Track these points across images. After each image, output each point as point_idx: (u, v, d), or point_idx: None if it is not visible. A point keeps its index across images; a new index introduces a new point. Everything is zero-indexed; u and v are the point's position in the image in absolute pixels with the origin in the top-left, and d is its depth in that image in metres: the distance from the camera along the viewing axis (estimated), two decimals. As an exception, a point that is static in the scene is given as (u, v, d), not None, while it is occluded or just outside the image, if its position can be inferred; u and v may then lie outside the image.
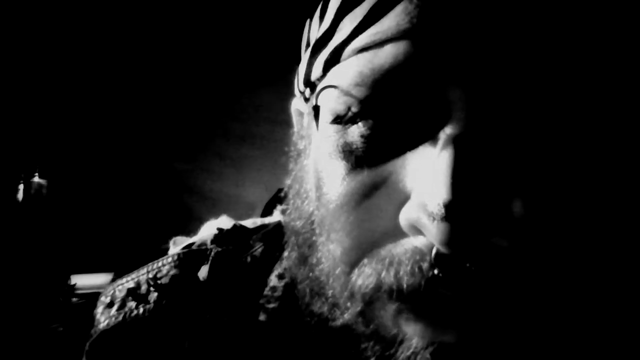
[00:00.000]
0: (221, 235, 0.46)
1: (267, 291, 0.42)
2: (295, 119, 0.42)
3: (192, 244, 0.47)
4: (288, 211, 0.40)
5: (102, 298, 0.45)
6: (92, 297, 0.47)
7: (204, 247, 0.45)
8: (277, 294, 0.41)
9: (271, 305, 0.41)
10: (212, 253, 0.44)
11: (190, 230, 0.53)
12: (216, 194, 1.91)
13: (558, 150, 0.30)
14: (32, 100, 1.83)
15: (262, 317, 0.41)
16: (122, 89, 1.90)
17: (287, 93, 0.43)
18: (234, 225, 0.47)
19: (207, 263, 0.44)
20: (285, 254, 0.42)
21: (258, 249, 0.45)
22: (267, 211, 0.55)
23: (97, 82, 1.88)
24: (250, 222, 0.48)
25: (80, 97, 1.89)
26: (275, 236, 0.44)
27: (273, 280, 0.42)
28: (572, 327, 0.32)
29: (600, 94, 0.30)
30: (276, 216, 0.52)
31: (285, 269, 0.42)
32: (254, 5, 1.72)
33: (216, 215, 0.54)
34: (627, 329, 0.34)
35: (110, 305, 0.44)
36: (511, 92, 0.29)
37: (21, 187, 1.77)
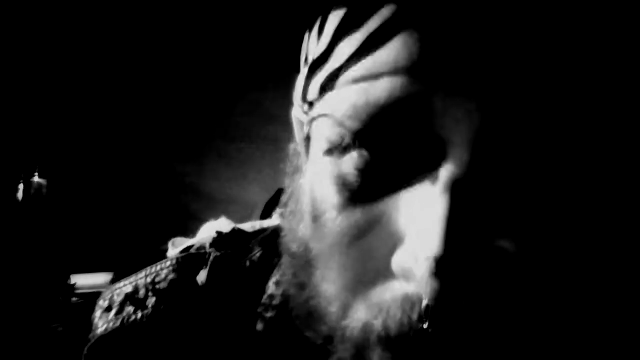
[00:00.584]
0: (220, 239, 0.46)
1: (265, 299, 0.41)
2: (295, 128, 0.41)
3: (191, 247, 0.46)
4: (283, 232, 0.39)
5: (101, 302, 0.45)
6: (92, 297, 0.47)
7: (202, 251, 0.45)
8: (275, 302, 0.41)
9: (269, 315, 0.41)
10: (211, 257, 0.44)
11: (190, 230, 0.53)
12: (216, 194, 1.91)
13: (561, 199, 0.29)
14: (32, 100, 1.83)
15: (260, 327, 0.41)
16: (122, 89, 1.90)
17: (288, 93, 0.42)
18: (233, 229, 0.47)
19: (206, 268, 0.43)
20: (283, 262, 0.41)
21: (257, 253, 0.44)
22: (267, 212, 0.55)
23: (97, 82, 1.88)
24: (249, 226, 0.48)
25: (80, 97, 1.89)
26: (273, 241, 0.44)
27: (271, 287, 0.42)
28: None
29: (599, 128, 0.29)
30: (275, 219, 0.51)
31: (282, 278, 0.42)
32: (255, 6, 1.72)
33: (216, 215, 0.54)
34: (629, 333, 0.33)
35: (108, 309, 0.44)
36: (514, 135, 0.28)
37: (21, 187, 1.77)
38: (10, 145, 1.79)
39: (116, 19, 1.83)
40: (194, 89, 1.92)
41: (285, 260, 0.39)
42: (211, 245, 0.45)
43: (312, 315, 0.35)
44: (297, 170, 0.39)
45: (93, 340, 0.42)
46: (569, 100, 0.28)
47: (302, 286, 0.36)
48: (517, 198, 0.29)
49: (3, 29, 1.74)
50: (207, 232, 0.49)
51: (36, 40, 1.80)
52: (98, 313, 0.44)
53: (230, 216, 0.52)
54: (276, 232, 0.45)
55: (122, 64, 1.87)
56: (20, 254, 1.57)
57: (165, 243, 0.51)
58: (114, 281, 0.47)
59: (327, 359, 0.33)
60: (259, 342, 0.40)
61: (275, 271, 0.43)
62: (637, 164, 0.30)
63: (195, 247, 0.46)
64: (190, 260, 0.45)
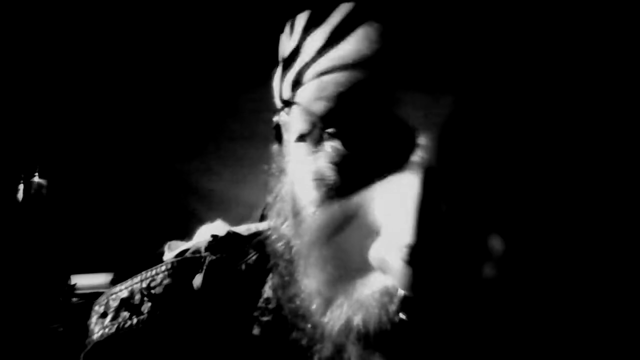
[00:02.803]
0: (215, 243, 0.46)
1: (261, 303, 0.41)
2: (278, 132, 0.42)
3: (186, 250, 0.46)
4: (270, 232, 0.40)
5: (96, 308, 0.45)
6: (92, 297, 0.47)
7: (198, 255, 0.45)
8: (271, 306, 0.41)
9: (265, 319, 0.41)
10: (207, 261, 0.44)
11: (190, 230, 0.53)
12: (216, 194, 1.91)
13: (529, 182, 0.29)
14: (32, 100, 1.83)
15: (256, 331, 0.40)
16: (122, 89, 1.90)
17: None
18: (228, 232, 0.47)
19: (202, 272, 0.43)
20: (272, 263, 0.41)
21: (252, 257, 0.44)
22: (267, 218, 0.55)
23: (97, 82, 1.88)
24: (244, 229, 0.48)
25: (80, 97, 1.89)
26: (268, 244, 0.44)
27: (267, 291, 0.42)
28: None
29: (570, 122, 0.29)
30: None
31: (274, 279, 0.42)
32: (254, 5, 1.72)
33: (217, 215, 0.54)
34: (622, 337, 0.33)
35: (104, 315, 0.44)
36: (479, 119, 0.28)
37: (21, 187, 1.77)
38: (10, 145, 1.79)
39: (117, 19, 1.83)
40: (194, 89, 1.92)
41: (273, 260, 0.39)
42: (206, 249, 0.45)
43: (297, 314, 0.35)
44: (281, 170, 0.39)
45: (89, 347, 0.42)
46: (533, 85, 0.28)
47: (286, 285, 0.36)
48: (489, 184, 0.29)
49: (3, 29, 1.73)
50: (202, 235, 0.49)
51: (36, 40, 1.80)
52: (94, 319, 0.44)
53: (230, 216, 0.52)
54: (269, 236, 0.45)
55: (121, 63, 1.87)
56: (20, 254, 1.57)
57: (164, 243, 0.51)
58: (113, 281, 0.47)
59: None
60: (256, 346, 0.40)
61: (271, 274, 0.43)
62: (609, 148, 0.31)
63: (190, 251, 0.46)
64: (186, 264, 0.44)
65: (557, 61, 0.29)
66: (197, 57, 1.88)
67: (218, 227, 0.49)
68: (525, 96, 0.28)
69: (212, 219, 0.54)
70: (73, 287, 1.47)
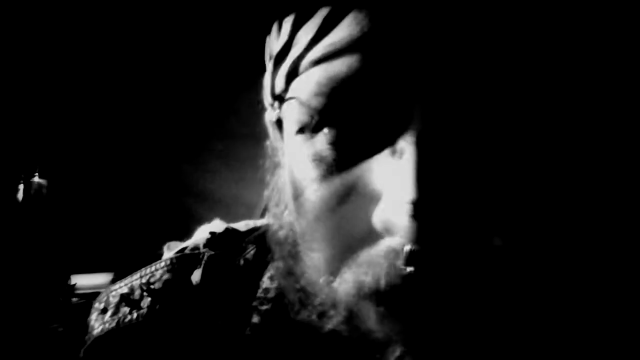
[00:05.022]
0: (214, 239, 0.46)
1: (259, 293, 0.42)
2: (269, 130, 0.43)
3: (185, 248, 0.47)
4: (269, 222, 0.41)
5: (96, 304, 0.45)
6: (92, 297, 0.47)
7: (196, 251, 0.46)
8: (270, 295, 0.42)
9: (264, 307, 0.41)
10: (205, 257, 0.45)
11: (190, 230, 0.53)
12: (216, 194, 1.91)
13: (519, 145, 0.30)
14: (32, 100, 1.83)
15: (255, 320, 0.41)
16: (122, 89, 1.90)
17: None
18: (226, 229, 0.47)
19: (200, 267, 0.44)
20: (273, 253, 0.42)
21: (250, 251, 0.45)
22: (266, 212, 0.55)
23: (96, 82, 1.88)
24: (242, 225, 0.49)
25: (80, 97, 1.89)
26: (266, 238, 0.45)
27: (265, 282, 0.43)
28: (553, 325, 0.32)
29: (549, 89, 0.31)
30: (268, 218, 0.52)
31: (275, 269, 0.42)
32: (254, 5, 1.72)
33: (217, 215, 0.54)
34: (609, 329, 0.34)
35: (104, 311, 0.44)
36: (466, 91, 0.30)
37: (21, 187, 1.77)
38: (10, 145, 1.79)
39: (116, 19, 1.83)
40: (193, 89, 1.92)
41: (274, 251, 0.40)
42: (205, 245, 0.46)
43: (304, 293, 0.36)
44: (276, 165, 0.40)
45: (89, 342, 0.43)
46: (518, 65, 0.30)
47: (291, 270, 0.37)
48: (479, 152, 0.30)
49: (3, 29, 1.74)
50: (201, 234, 0.50)
51: (36, 40, 1.80)
52: (94, 315, 0.45)
53: (230, 216, 0.53)
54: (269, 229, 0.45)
55: (121, 63, 1.87)
56: (20, 254, 1.57)
57: (164, 243, 0.51)
58: (114, 281, 0.47)
59: (324, 344, 0.34)
60: (255, 336, 0.40)
61: (269, 266, 0.43)
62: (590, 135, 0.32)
63: (189, 248, 0.47)
64: (184, 260, 0.45)
65: (550, 44, 0.30)
66: (197, 57, 1.88)
67: (216, 225, 0.50)
68: (513, 68, 0.30)
69: (212, 219, 0.54)
70: (73, 287, 1.48)
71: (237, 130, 1.95)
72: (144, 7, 1.82)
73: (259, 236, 0.46)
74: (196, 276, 0.43)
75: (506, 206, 0.30)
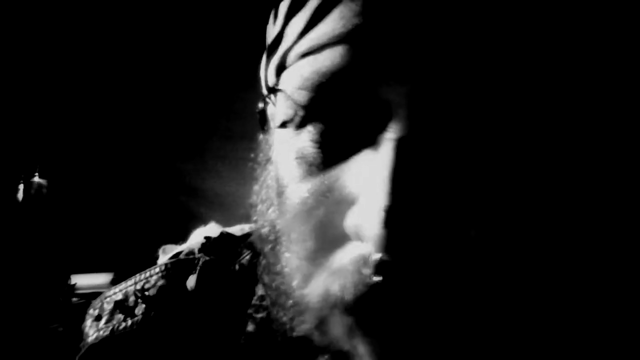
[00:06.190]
0: (208, 244, 0.46)
1: (255, 300, 0.41)
2: (262, 123, 0.42)
3: (180, 252, 0.46)
4: (255, 218, 0.40)
5: (91, 311, 0.45)
6: (92, 297, 0.47)
7: (191, 257, 0.45)
8: (266, 303, 0.41)
9: (259, 315, 0.41)
10: (200, 262, 0.44)
11: (190, 230, 0.53)
12: (216, 194, 1.91)
13: (502, 150, 0.30)
14: (32, 100, 1.83)
15: (250, 328, 0.41)
16: (122, 89, 1.90)
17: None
18: (221, 233, 0.47)
19: (195, 273, 0.43)
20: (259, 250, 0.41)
21: (246, 256, 0.44)
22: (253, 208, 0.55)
23: (96, 82, 1.88)
24: (238, 229, 0.48)
25: (80, 97, 1.89)
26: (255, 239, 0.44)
27: (261, 289, 0.42)
28: (530, 328, 0.32)
29: (536, 90, 0.30)
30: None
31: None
32: (254, 5, 1.72)
33: (216, 215, 0.54)
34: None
35: (98, 318, 0.44)
36: (450, 91, 0.29)
37: (21, 187, 1.77)
38: (10, 145, 1.79)
39: (116, 19, 1.83)
40: (193, 88, 1.92)
41: (259, 248, 0.40)
42: (200, 250, 0.45)
43: (279, 293, 0.35)
44: (267, 160, 0.39)
45: (84, 349, 0.42)
46: (504, 64, 0.29)
47: (270, 267, 0.36)
48: (460, 157, 0.30)
49: (3, 29, 1.74)
50: (196, 238, 0.49)
51: (36, 40, 1.80)
52: (88, 322, 0.44)
53: (230, 216, 0.52)
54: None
55: (121, 63, 1.87)
56: (20, 254, 1.57)
57: (164, 243, 0.51)
58: (114, 281, 0.47)
59: (294, 350, 0.34)
60: (250, 344, 0.40)
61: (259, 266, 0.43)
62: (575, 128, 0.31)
63: (184, 253, 0.46)
64: (179, 266, 0.45)
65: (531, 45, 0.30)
66: (197, 57, 1.88)
67: (212, 229, 0.50)
68: (497, 69, 0.29)
69: (212, 219, 0.54)
70: (73, 287, 1.48)
71: (237, 130, 1.95)
72: (143, 7, 1.82)
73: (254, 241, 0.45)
74: (191, 282, 0.43)
75: (485, 218, 0.29)
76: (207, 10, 1.83)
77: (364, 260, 0.29)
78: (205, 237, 0.46)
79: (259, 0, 0.37)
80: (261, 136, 0.41)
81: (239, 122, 1.93)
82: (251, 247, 0.44)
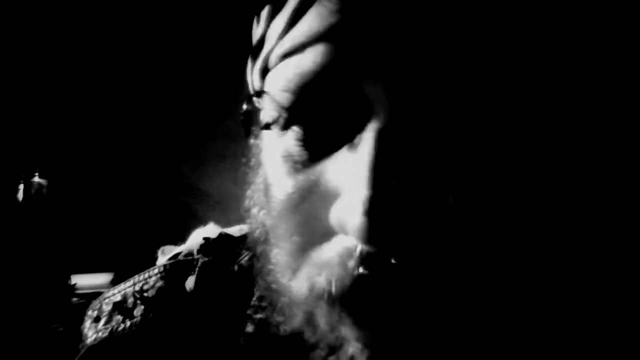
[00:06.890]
0: (207, 245, 0.46)
1: (254, 301, 0.42)
2: (251, 126, 0.42)
3: (179, 254, 0.46)
4: (248, 220, 0.40)
5: (89, 312, 0.45)
6: (92, 297, 0.47)
7: (190, 258, 0.45)
8: (264, 303, 0.40)
9: (258, 316, 0.41)
10: (199, 263, 0.44)
11: (190, 230, 0.53)
12: (216, 194, 1.91)
13: (482, 142, 0.30)
14: (32, 100, 1.83)
15: (249, 329, 0.41)
16: (122, 89, 1.90)
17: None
18: (220, 234, 0.47)
19: (194, 274, 0.43)
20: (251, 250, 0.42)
21: (244, 257, 0.44)
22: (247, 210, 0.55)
23: (97, 82, 1.88)
24: (236, 230, 0.48)
25: (81, 97, 1.89)
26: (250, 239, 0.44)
27: (260, 289, 0.42)
28: (512, 322, 0.32)
29: (514, 84, 0.30)
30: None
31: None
32: (254, 5, 1.72)
33: (216, 214, 0.54)
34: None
35: (97, 319, 0.44)
36: (429, 86, 0.29)
37: (21, 187, 1.77)
38: (10, 145, 1.79)
39: (116, 19, 1.83)
40: (193, 89, 1.92)
41: (252, 248, 0.40)
42: (199, 251, 0.45)
43: (270, 291, 0.35)
44: (258, 162, 0.39)
45: (83, 351, 0.42)
46: (481, 60, 0.29)
47: (263, 267, 0.37)
48: (440, 149, 0.30)
49: (3, 29, 1.74)
50: (195, 239, 0.49)
51: (36, 40, 1.80)
52: (87, 323, 0.44)
53: (230, 216, 0.52)
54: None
55: (122, 64, 1.87)
56: (20, 254, 1.57)
57: (163, 243, 0.51)
58: (114, 282, 0.47)
59: (285, 347, 0.34)
60: (250, 344, 0.40)
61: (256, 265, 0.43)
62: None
63: (182, 254, 0.46)
64: (178, 267, 0.45)
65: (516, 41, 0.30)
66: (197, 57, 1.88)
67: (210, 230, 0.49)
68: (478, 65, 0.29)
69: (211, 219, 0.54)
70: (73, 287, 1.48)
71: (237, 130, 1.95)
72: (143, 7, 1.82)
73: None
74: (190, 283, 0.43)
75: (464, 206, 0.30)
76: (206, 12, 1.83)
77: (349, 253, 0.30)
78: (204, 238, 0.46)
79: (258, 2, 0.37)
80: (252, 140, 0.41)
81: (238, 122, 1.93)
82: (250, 248, 0.44)
